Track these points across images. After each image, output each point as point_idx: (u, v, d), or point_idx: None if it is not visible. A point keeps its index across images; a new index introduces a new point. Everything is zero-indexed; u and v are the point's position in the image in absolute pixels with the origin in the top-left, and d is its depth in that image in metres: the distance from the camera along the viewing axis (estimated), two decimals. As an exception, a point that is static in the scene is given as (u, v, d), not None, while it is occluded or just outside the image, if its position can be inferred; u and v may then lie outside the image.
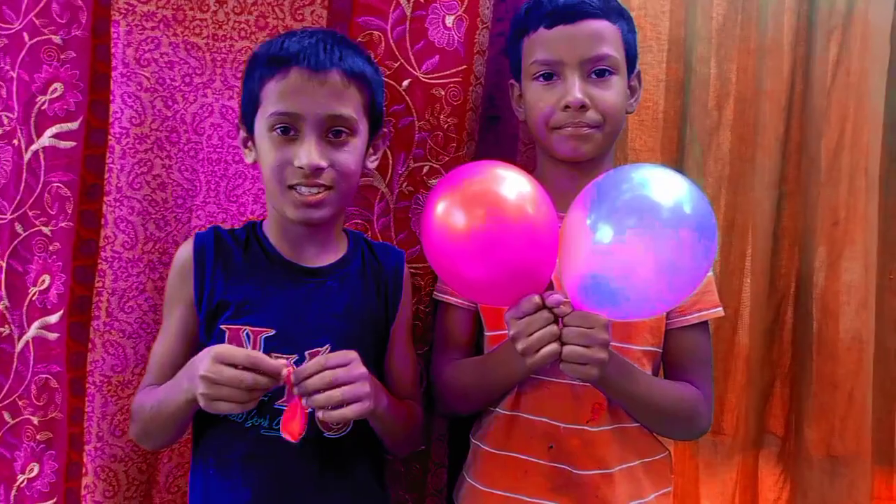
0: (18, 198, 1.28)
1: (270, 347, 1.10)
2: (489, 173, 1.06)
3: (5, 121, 1.28)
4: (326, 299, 1.16)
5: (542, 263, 1.04)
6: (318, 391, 1.00)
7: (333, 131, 1.11)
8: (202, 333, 1.15)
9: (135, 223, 1.31)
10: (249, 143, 1.17)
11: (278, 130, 1.10)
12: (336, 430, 1.13)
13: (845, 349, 1.53)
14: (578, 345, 1.02)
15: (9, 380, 1.30)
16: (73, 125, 1.27)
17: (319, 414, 1.02)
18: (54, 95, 1.26)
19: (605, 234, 0.97)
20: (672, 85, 1.55)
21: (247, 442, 1.11)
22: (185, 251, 1.18)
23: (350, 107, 1.12)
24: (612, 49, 1.21)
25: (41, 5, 1.25)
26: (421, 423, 1.26)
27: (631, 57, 1.26)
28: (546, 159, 1.29)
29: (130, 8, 1.28)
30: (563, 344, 1.02)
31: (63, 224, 1.28)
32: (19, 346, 1.30)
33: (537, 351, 1.02)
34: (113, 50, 1.28)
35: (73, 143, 1.27)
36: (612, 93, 1.21)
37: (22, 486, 1.30)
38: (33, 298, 1.29)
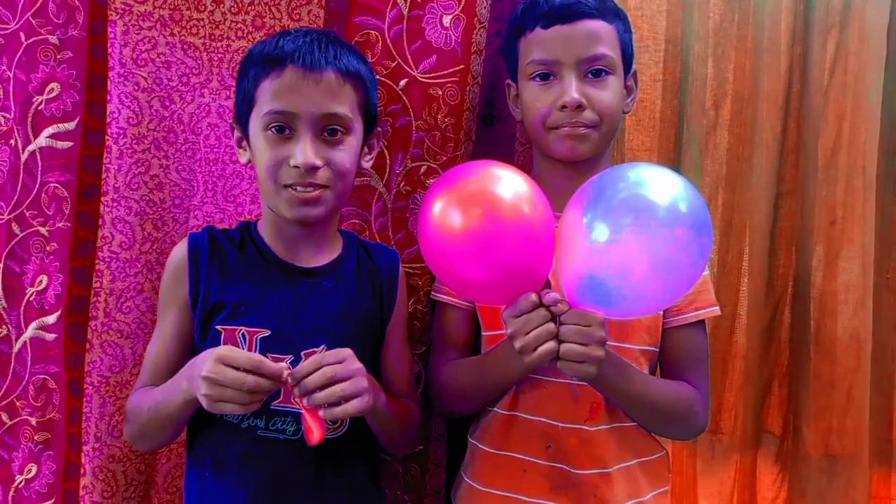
0: (15, 198, 1.28)
1: (266, 348, 1.10)
2: (486, 173, 1.06)
3: (2, 121, 1.28)
4: (322, 299, 1.16)
5: (538, 262, 1.04)
6: (318, 389, 1.00)
7: (329, 130, 1.11)
8: (197, 334, 1.15)
9: (132, 223, 1.31)
10: (244, 143, 1.17)
11: (273, 129, 1.10)
12: (333, 430, 1.13)
13: (843, 348, 1.54)
14: (576, 343, 1.02)
15: (6, 380, 1.30)
16: (70, 125, 1.27)
17: (321, 412, 1.02)
18: (51, 95, 1.26)
19: (602, 232, 0.97)
20: (669, 84, 1.55)
21: (243, 443, 1.11)
22: (179, 252, 1.18)
23: (345, 105, 1.12)
24: (609, 49, 1.21)
25: (38, 5, 1.25)
26: (418, 422, 1.26)
27: (627, 57, 1.26)
28: (543, 159, 1.29)
29: (127, 8, 1.28)
30: (560, 342, 1.02)
31: (60, 224, 1.28)
32: (17, 346, 1.30)
33: (535, 349, 1.02)
34: (110, 50, 1.28)
35: (70, 144, 1.28)
36: (608, 93, 1.21)
37: (20, 486, 1.30)
38: (31, 299, 1.29)
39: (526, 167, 1.34)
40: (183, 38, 1.31)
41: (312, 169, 1.08)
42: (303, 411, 1.01)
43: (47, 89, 1.26)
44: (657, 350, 1.26)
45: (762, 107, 1.54)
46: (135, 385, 1.20)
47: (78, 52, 1.27)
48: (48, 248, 1.28)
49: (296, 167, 1.08)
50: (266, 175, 1.11)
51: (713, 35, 1.55)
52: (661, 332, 1.25)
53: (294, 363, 1.04)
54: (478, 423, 1.29)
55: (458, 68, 1.34)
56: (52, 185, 1.27)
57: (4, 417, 1.30)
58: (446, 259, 1.05)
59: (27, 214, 1.28)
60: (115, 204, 1.29)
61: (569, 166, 1.24)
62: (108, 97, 1.29)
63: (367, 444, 1.19)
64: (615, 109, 1.23)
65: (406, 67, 1.34)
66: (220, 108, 1.32)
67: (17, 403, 1.30)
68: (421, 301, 1.36)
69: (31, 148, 1.27)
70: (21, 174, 1.27)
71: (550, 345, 1.02)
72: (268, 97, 1.10)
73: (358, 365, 1.04)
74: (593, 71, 1.21)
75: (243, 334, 1.11)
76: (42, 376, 1.29)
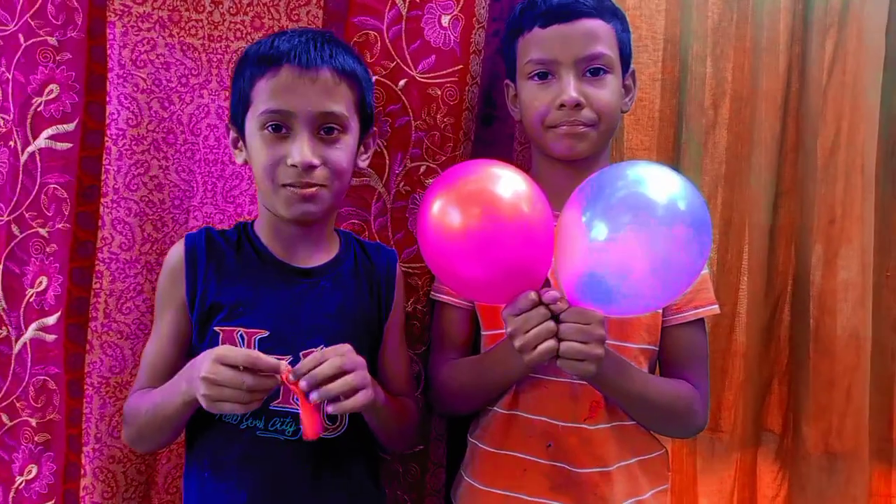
0: (15, 199, 1.28)
1: (264, 349, 1.10)
2: (484, 172, 1.06)
3: (1, 123, 1.28)
4: (319, 299, 1.16)
5: (537, 261, 1.04)
6: (328, 380, 1.00)
7: (325, 128, 1.11)
8: (195, 336, 1.14)
9: (132, 224, 1.31)
10: (240, 144, 1.17)
11: (270, 128, 1.10)
12: (332, 429, 1.13)
13: (843, 346, 1.54)
14: (576, 341, 1.02)
15: (6, 382, 1.30)
16: (70, 126, 1.27)
17: (330, 408, 1.02)
18: (50, 97, 1.26)
19: (601, 231, 0.98)
20: (668, 84, 1.55)
21: (242, 444, 1.11)
22: (176, 253, 1.17)
23: (342, 104, 1.12)
24: (607, 48, 1.22)
25: (36, 6, 1.25)
26: (415, 420, 1.27)
27: (625, 56, 1.26)
28: (542, 158, 1.29)
29: (126, 9, 1.28)
30: (560, 340, 1.03)
31: (60, 225, 1.28)
32: (17, 347, 1.30)
33: (535, 347, 1.02)
34: (109, 51, 1.28)
35: (69, 145, 1.28)
36: (606, 91, 1.22)
37: (20, 487, 1.30)
38: (31, 300, 1.29)
39: (525, 167, 1.35)
40: (182, 39, 1.31)
41: (310, 167, 1.08)
42: (300, 407, 1.01)
43: (46, 91, 1.26)
44: (656, 349, 1.26)
45: (761, 106, 1.54)
46: (132, 387, 1.20)
47: (77, 53, 1.27)
48: (48, 250, 1.28)
49: (293, 166, 1.08)
50: (263, 175, 1.11)
51: (712, 34, 1.55)
52: (660, 330, 1.25)
53: (293, 364, 1.04)
54: (478, 422, 1.29)
55: (456, 68, 1.34)
56: (52, 186, 1.28)
57: (5, 419, 1.30)
58: (446, 258, 1.05)
59: (27, 216, 1.28)
60: (115, 205, 1.30)
61: (567, 165, 1.25)
62: (108, 98, 1.29)
63: (367, 444, 1.19)
64: (613, 108, 1.23)
65: (405, 67, 1.34)
66: (220, 108, 1.32)
67: (18, 404, 1.30)
68: (420, 301, 1.36)
69: (30, 149, 1.27)
70: (20, 175, 1.27)
71: (550, 343, 1.02)
72: (264, 96, 1.10)
73: (360, 358, 1.05)
74: (591, 70, 1.21)
75: (241, 335, 1.11)
76: (42, 377, 1.29)
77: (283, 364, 1.00)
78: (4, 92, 1.27)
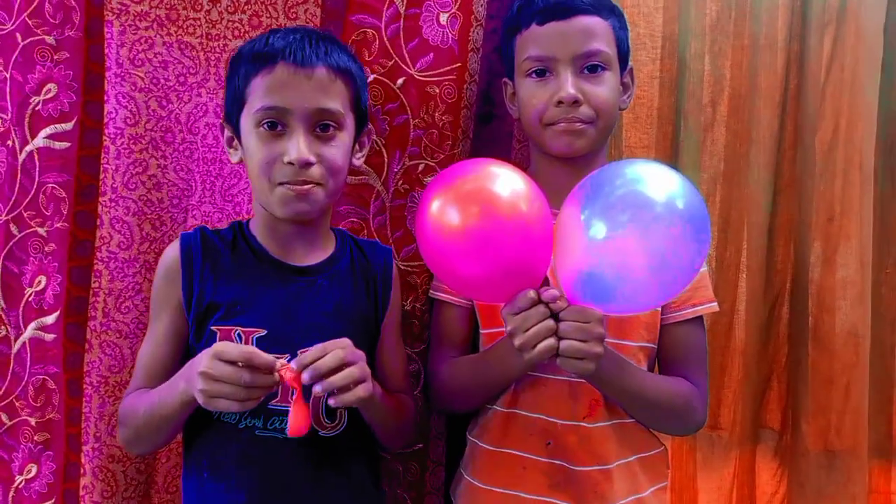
0: (13, 199, 1.28)
1: (262, 347, 1.08)
2: (483, 171, 1.06)
3: (-1, 122, 1.28)
4: (316, 298, 1.16)
5: (536, 260, 1.04)
6: (332, 372, 1.00)
7: (321, 125, 1.11)
8: (192, 336, 1.14)
9: (130, 223, 1.31)
10: (235, 142, 1.17)
11: (265, 126, 1.10)
12: (331, 427, 1.13)
13: (841, 344, 1.54)
14: (575, 339, 1.02)
15: (6, 381, 1.30)
16: (68, 126, 1.27)
17: (331, 401, 1.02)
18: (48, 96, 1.26)
19: (599, 229, 0.98)
20: (666, 81, 1.56)
21: (241, 443, 1.10)
22: (171, 253, 1.17)
23: (337, 101, 1.12)
24: (604, 45, 1.21)
25: (34, 6, 1.25)
26: (413, 416, 1.27)
27: (623, 53, 1.26)
28: (540, 156, 1.29)
29: (124, 8, 1.28)
30: (559, 339, 1.03)
31: (58, 225, 1.28)
32: (16, 347, 1.30)
33: (534, 346, 1.02)
34: (106, 50, 1.28)
35: (67, 144, 1.28)
36: (604, 88, 1.21)
37: (20, 487, 1.30)
38: (29, 299, 1.29)
39: (523, 165, 1.35)
40: (180, 37, 1.31)
41: (306, 165, 1.08)
42: (293, 403, 1.01)
43: (44, 90, 1.26)
44: (655, 347, 1.26)
45: (759, 103, 1.54)
46: (127, 389, 1.19)
47: (75, 52, 1.27)
48: (46, 249, 1.28)
49: (290, 163, 1.08)
50: (259, 172, 1.11)
51: (710, 32, 1.55)
52: (659, 328, 1.25)
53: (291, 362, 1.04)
54: (476, 420, 1.29)
55: (455, 66, 1.34)
56: (50, 185, 1.27)
57: (4, 418, 1.30)
58: (445, 257, 1.05)
59: (25, 215, 1.28)
60: (114, 204, 1.30)
61: (566, 163, 1.24)
62: (106, 97, 1.29)
63: (366, 443, 1.19)
64: (611, 105, 1.23)
65: (403, 66, 1.34)
66: (218, 107, 1.32)
67: (17, 404, 1.30)
68: (420, 299, 1.36)
69: (28, 148, 1.27)
70: (19, 175, 1.27)
71: (550, 341, 1.02)
72: (259, 94, 1.09)
73: (360, 352, 1.05)
74: (589, 67, 1.21)
75: (239, 334, 1.11)
76: (41, 377, 1.29)
77: (281, 360, 1.00)
78: (2, 91, 1.26)
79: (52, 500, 1.29)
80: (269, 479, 1.10)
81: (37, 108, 1.26)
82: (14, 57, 1.26)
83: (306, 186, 1.09)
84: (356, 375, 1.02)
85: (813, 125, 1.54)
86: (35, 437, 1.30)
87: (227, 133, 1.18)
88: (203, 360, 0.99)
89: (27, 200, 1.28)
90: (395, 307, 1.26)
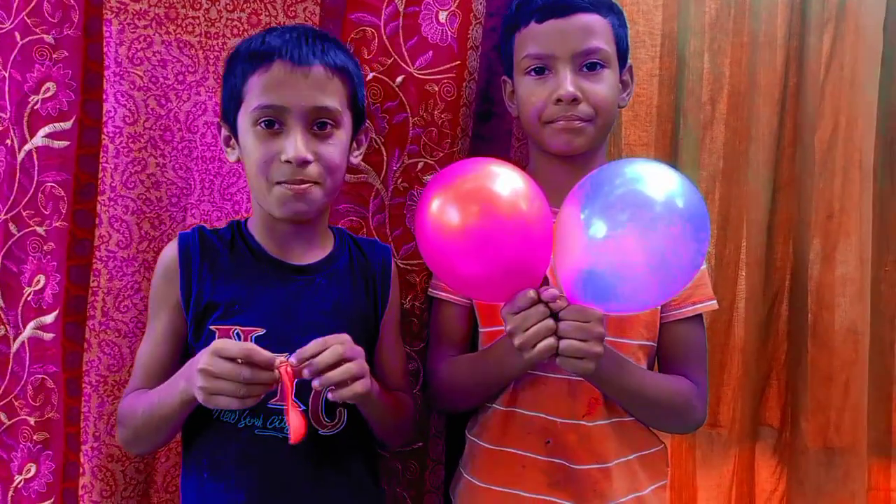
0: (12, 198, 1.27)
1: (261, 346, 1.09)
2: (483, 170, 1.06)
3: (-2, 121, 1.28)
4: (315, 297, 1.16)
5: (536, 259, 1.04)
6: (330, 367, 1.00)
7: (318, 123, 1.11)
8: (191, 335, 1.14)
9: (129, 222, 1.30)
10: (232, 142, 1.16)
11: (263, 124, 1.10)
12: (331, 426, 1.13)
13: (841, 341, 1.54)
14: (575, 339, 1.02)
15: (5, 380, 1.30)
16: (67, 124, 1.27)
17: (330, 395, 1.02)
18: (47, 95, 1.26)
19: (599, 228, 0.98)
20: (665, 79, 1.55)
21: (240, 443, 1.10)
22: (169, 253, 1.17)
23: (334, 98, 1.11)
24: (603, 42, 1.21)
25: (33, 4, 1.24)
26: (412, 414, 1.27)
27: (622, 51, 1.26)
28: (539, 154, 1.29)
29: (122, 6, 1.27)
30: (559, 338, 1.03)
31: (57, 224, 1.28)
32: (15, 346, 1.30)
33: (534, 346, 1.02)
34: (105, 49, 1.28)
35: (66, 143, 1.27)
36: (603, 86, 1.21)
37: (19, 486, 1.30)
38: (28, 299, 1.29)
39: (523, 163, 1.35)
40: (178, 36, 1.31)
41: (303, 163, 1.08)
42: (286, 406, 1.00)
43: (43, 89, 1.26)
44: (655, 345, 1.26)
45: (758, 101, 1.54)
46: (126, 389, 1.19)
47: (73, 51, 1.26)
48: (45, 248, 1.28)
49: (287, 162, 1.08)
50: (256, 171, 1.11)
51: (709, 30, 1.55)
52: (659, 326, 1.25)
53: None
54: (475, 419, 1.29)
55: (454, 64, 1.34)
56: (49, 184, 1.27)
57: (3, 417, 1.30)
58: (445, 257, 1.05)
59: (24, 214, 1.28)
60: (112, 203, 1.29)
61: (565, 161, 1.24)
62: (104, 96, 1.29)
63: (365, 441, 1.19)
64: (610, 103, 1.23)
65: (402, 64, 1.33)
66: (217, 106, 1.32)
67: (16, 403, 1.30)
68: (419, 297, 1.36)
69: (27, 147, 1.27)
70: (17, 174, 1.27)
71: (550, 341, 1.02)
72: (256, 92, 1.09)
73: (359, 348, 1.05)
74: (588, 65, 1.21)
75: (238, 333, 1.11)
76: (40, 376, 1.29)
77: (280, 358, 1.00)
78: (1, 90, 1.26)
79: (52, 500, 1.29)
80: (268, 478, 1.10)
81: (35, 107, 1.26)
82: (13, 56, 1.25)
83: (304, 186, 1.09)
84: (354, 371, 1.02)
85: (812, 123, 1.54)
86: (34, 437, 1.30)
87: (225, 132, 1.18)
88: (203, 358, 0.99)
89: (26, 199, 1.27)
90: (395, 305, 1.26)
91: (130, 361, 1.30)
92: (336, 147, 1.12)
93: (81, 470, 1.30)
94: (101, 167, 1.29)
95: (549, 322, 1.02)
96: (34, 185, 1.27)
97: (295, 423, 0.99)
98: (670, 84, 1.55)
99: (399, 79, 1.33)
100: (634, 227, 0.96)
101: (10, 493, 1.30)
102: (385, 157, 1.35)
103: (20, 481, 1.30)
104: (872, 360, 1.54)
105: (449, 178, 1.06)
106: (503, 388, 1.23)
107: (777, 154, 1.57)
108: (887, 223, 1.57)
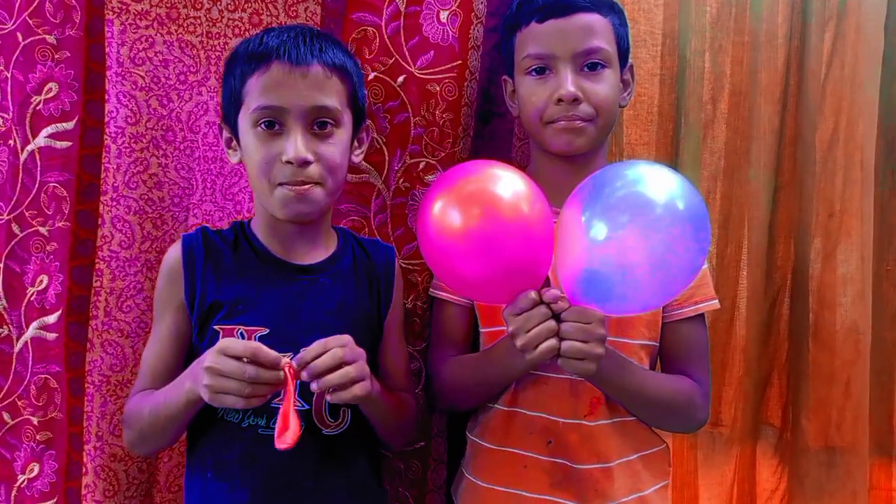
0: (15, 198, 1.28)
1: (265, 346, 1.10)
2: (484, 172, 1.06)
3: (0, 121, 1.28)
4: (319, 296, 1.16)
5: (537, 261, 1.04)
6: (330, 370, 1.00)
7: (318, 123, 1.10)
8: (195, 335, 1.14)
9: (132, 222, 1.31)
10: (233, 143, 1.16)
11: (263, 125, 1.10)
12: (334, 426, 1.13)
13: (842, 340, 1.54)
14: (577, 340, 1.02)
15: (8, 380, 1.30)
16: (69, 125, 1.27)
17: (328, 397, 1.02)
18: (49, 95, 1.26)
19: (600, 230, 0.98)
20: (666, 78, 1.55)
21: (244, 442, 1.11)
22: (173, 254, 1.17)
23: (333, 98, 1.11)
24: (604, 42, 1.21)
25: (34, 5, 1.24)
26: (414, 414, 1.27)
27: (623, 50, 1.26)
28: (540, 154, 1.29)
29: (124, 7, 1.28)
30: (561, 339, 1.03)
31: (60, 224, 1.28)
32: (18, 346, 1.30)
33: (536, 347, 1.03)
34: (107, 49, 1.28)
35: (68, 143, 1.28)
36: (604, 86, 1.21)
37: (22, 486, 1.30)
38: (31, 299, 1.29)
39: (524, 163, 1.35)
40: (180, 36, 1.31)
41: (304, 163, 1.08)
42: (286, 406, 1.00)
43: (45, 89, 1.26)
44: (657, 345, 1.26)
45: (759, 100, 1.54)
46: (132, 390, 1.20)
47: (75, 51, 1.27)
48: (48, 248, 1.28)
49: (288, 163, 1.08)
50: (258, 172, 1.11)
51: (710, 29, 1.55)
52: (660, 326, 1.25)
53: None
54: (477, 419, 1.29)
55: (455, 64, 1.34)
56: (52, 184, 1.27)
57: (6, 417, 1.31)
58: (446, 259, 1.05)
59: (27, 214, 1.28)
60: (115, 203, 1.30)
61: (566, 161, 1.24)
62: (106, 96, 1.29)
63: (368, 441, 1.19)
64: (611, 103, 1.23)
65: (404, 63, 1.34)
66: (218, 106, 1.32)
67: (19, 403, 1.30)
68: (421, 297, 1.36)
69: (29, 148, 1.27)
70: (20, 174, 1.27)
71: (551, 342, 1.02)
72: (256, 93, 1.09)
73: (360, 350, 1.05)
74: (589, 64, 1.21)
75: (242, 333, 1.11)
76: (43, 376, 1.29)
77: (285, 358, 1.00)
78: (3, 91, 1.26)
79: (55, 500, 1.30)
80: (272, 477, 1.10)
81: (38, 108, 1.26)
82: (15, 56, 1.26)
83: (305, 187, 1.09)
84: (352, 375, 1.02)
85: (813, 122, 1.54)
86: (37, 437, 1.30)
87: (226, 134, 1.18)
88: (209, 356, 0.99)
89: (29, 200, 1.28)
90: (398, 305, 1.26)
91: (133, 361, 1.31)
92: (336, 146, 1.12)
93: (84, 469, 1.30)
94: (103, 167, 1.29)
95: (551, 323, 1.02)
96: (37, 186, 1.27)
97: (292, 426, 0.98)
98: (671, 83, 1.55)
99: (400, 78, 1.33)
100: (635, 229, 0.96)
101: (14, 492, 1.30)
102: (387, 157, 1.35)
103: (23, 481, 1.30)
104: (873, 359, 1.54)
105: (451, 181, 1.06)
106: (505, 388, 1.24)
107: (778, 153, 1.57)
108: (888, 222, 1.57)
